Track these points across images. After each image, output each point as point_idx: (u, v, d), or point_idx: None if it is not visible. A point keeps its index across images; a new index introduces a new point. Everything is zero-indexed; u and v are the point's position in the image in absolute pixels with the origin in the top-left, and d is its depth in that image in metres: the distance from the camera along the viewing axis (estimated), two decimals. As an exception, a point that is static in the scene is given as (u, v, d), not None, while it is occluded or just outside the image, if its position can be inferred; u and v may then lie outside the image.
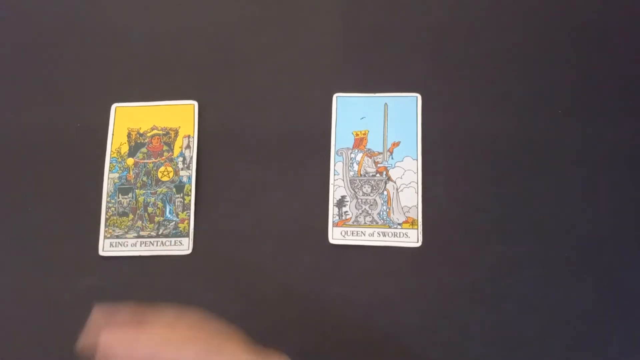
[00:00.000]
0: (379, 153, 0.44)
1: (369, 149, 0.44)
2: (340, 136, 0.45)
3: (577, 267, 0.41)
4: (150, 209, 0.44)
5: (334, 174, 0.44)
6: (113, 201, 0.44)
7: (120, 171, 0.45)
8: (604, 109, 0.44)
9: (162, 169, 0.45)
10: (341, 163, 0.44)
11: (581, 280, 0.41)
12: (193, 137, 0.45)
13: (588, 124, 0.44)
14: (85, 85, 0.47)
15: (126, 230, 0.44)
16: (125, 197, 0.44)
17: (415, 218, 0.43)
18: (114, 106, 0.46)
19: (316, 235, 0.43)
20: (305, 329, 0.41)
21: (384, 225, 0.43)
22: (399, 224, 0.43)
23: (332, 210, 0.43)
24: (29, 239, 0.44)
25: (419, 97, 0.45)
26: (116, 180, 0.45)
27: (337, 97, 0.45)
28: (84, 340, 0.32)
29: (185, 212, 0.44)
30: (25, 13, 0.49)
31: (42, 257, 0.43)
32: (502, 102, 0.45)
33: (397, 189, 0.43)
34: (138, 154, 0.45)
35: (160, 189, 0.44)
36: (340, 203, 0.43)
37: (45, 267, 0.43)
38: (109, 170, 0.45)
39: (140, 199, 0.44)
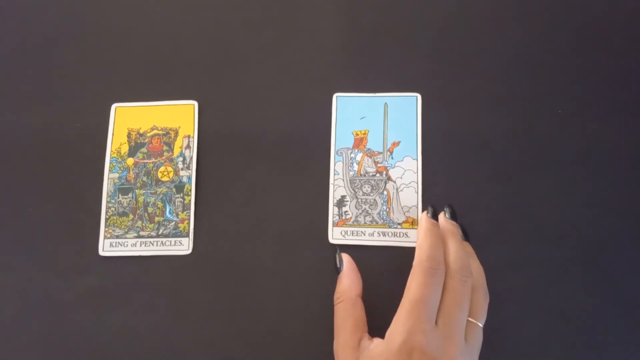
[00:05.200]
0: (379, 153, 0.44)
1: (369, 149, 0.44)
2: (340, 136, 0.45)
3: (578, 268, 0.41)
4: (150, 209, 0.44)
5: (334, 174, 0.44)
6: (113, 201, 0.44)
7: (120, 171, 0.45)
8: (604, 109, 0.44)
9: (162, 169, 0.45)
10: (341, 163, 0.44)
11: (581, 280, 0.41)
12: (193, 137, 0.45)
13: (588, 124, 0.44)
14: (85, 85, 0.47)
15: (126, 230, 0.44)
16: (125, 197, 0.44)
17: (415, 218, 0.43)
18: (114, 106, 0.46)
19: (316, 235, 0.43)
20: (305, 329, 0.41)
21: (384, 225, 0.43)
22: (399, 224, 0.43)
23: (332, 210, 0.43)
24: (29, 239, 0.44)
25: (419, 97, 0.45)
26: (116, 180, 0.45)
27: (337, 97, 0.45)
28: None
29: (185, 212, 0.44)
30: (25, 13, 0.49)
31: (42, 257, 0.43)
32: (502, 102, 0.45)
33: (397, 189, 0.43)
34: (138, 154, 0.45)
35: (160, 189, 0.44)
36: (340, 203, 0.43)
37: (45, 267, 0.43)
38: (109, 170, 0.45)
39: (140, 199, 0.44)
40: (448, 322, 0.35)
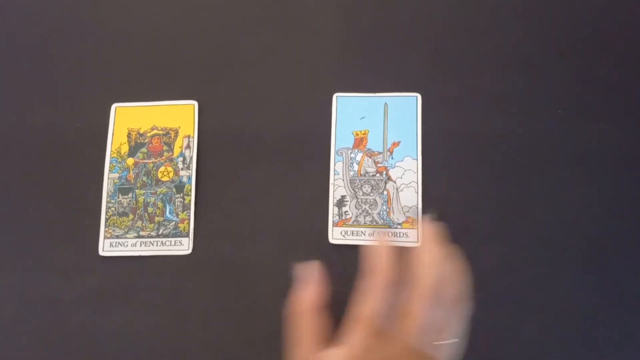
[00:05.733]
0: (379, 153, 0.44)
1: (369, 149, 0.44)
2: (340, 136, 0.45)
3: (577, 267, 0.41)
4: (150, 209, 0.44)
5: (334, 174, 0.44)
6: (113, 201, 0.44)
7: (120, 171, 0.45)
8: (604, 109, 0.44)
9: (162, 169, 0.45)
10: (341, 163, 0.44)
11: (581, 280, 0.41)
12: (193, 137, 0.45)
13: (588, 124, 0.44)
14: (85, 85, 0.47)
15: (126, 230, 0.44)
16: (125, 197, 0.44)
17: (415, 218, 0.43)
18: (114, 106, 0.46)
19: (316, 235, 0.43)
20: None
21: (384, 225, 0.43)
22: (399, 224, 0.43)
23: (332, 210, 0.43)
24: (29, 239, 0.44)
25: (419, 97, 0.45)
26: (116, 180, 0.45)
27: (337, 97, 0.45)
28: None
29: (185, 212, 0.44)
30: (25, 13, 0.49)
31: (42, 257, 0.43)
32: (502, 102, 0.45)
33: (397, 189, 0.43)
34: (138, 154, 0.45)
35: (160, 189, 0.44)
36: (340, 203, 0.43)
37: (45, 267, 0.43)
38: (109, 170, 0.45)
39: (140, 199, 0.44)
40: (407, 343, 0.34)
